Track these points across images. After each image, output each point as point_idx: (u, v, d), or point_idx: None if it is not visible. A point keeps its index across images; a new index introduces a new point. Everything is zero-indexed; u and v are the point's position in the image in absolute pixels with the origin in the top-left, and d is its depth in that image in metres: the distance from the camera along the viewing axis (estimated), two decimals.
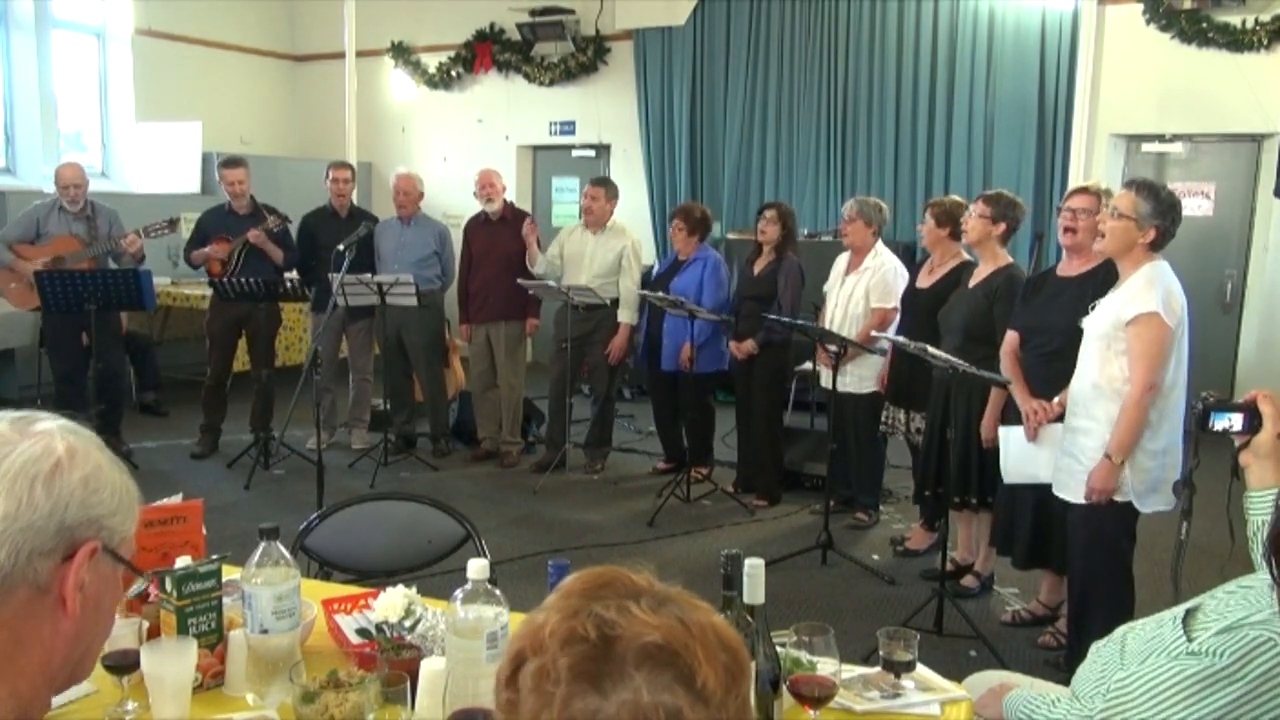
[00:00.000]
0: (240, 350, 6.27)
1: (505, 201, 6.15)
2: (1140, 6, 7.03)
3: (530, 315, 6.10)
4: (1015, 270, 4.15)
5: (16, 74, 8.13)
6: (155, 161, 8.80)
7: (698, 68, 8.65)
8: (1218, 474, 2.12)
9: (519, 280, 5.87)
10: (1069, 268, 3.67)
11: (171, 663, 1.62)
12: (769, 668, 1.55)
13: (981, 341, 4.00)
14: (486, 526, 3.98)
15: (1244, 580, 1.64)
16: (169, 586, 1.75)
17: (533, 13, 9.00)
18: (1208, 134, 7.14)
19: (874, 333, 4.70)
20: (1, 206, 7.26)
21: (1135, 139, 7.39)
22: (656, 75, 8.81)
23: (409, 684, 1.56)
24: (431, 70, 9.65)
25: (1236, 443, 1.91)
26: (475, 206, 6.19)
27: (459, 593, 1.59)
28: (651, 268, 6.52)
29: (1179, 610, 1.68)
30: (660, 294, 5.42)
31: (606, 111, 9.08)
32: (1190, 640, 1.56)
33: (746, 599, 1.54)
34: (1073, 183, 6.55)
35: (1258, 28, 6.69)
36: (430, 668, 1.63)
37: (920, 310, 4.48)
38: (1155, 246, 3.13)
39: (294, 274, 6.14)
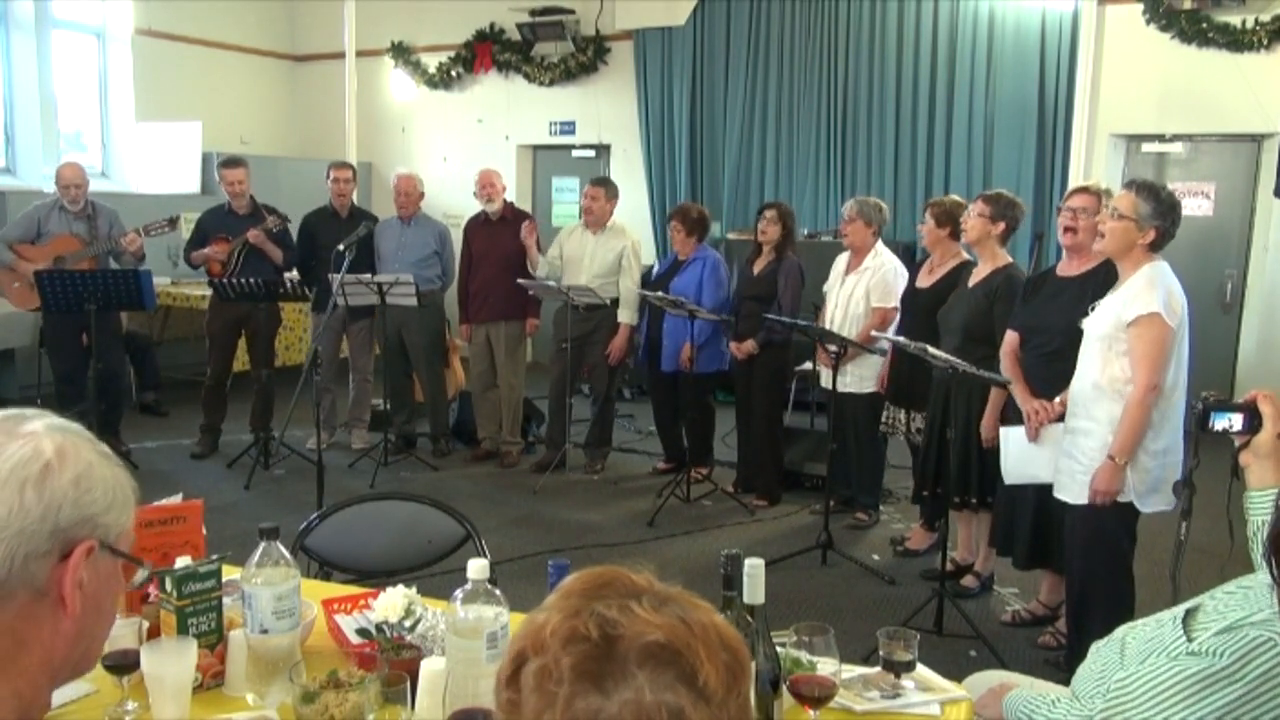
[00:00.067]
0: (240, 350, 6.27)
1: (505, 201, 6.15)
2: (1140, 6, 7.03)
3: (530, 315, 6.10)
4: (1015, 270, 4.16)
5: (16, 74, 8.13)
6: (155, 161, 8.80)
7: (698, 68, 8.65)
8: (1218, 474, 2.12)
9: (519, 280, 5.87)
10: (1069, 267, 3.67)
11: (171, 663, 1.62)
12: (769, 668, 1.55)
13: (981, 341, 4.00)
14: (486, 526, 3.98)
15: (1244, 580, 1.64)
16: (169, 586, 1.75)
17: (533, 13, 9.00)
18: (1208, 134, 7.14)
19: (874, 333, 4.70)
20: (1, 206, 7.26)
21: (1135, 139, 7.39)
22: (656, 75, 8.81)
23: (409, 684, 1.56)
24: (431, 70, 9.66)
25: (1236, 443, 1.91)
26: (475, 206, 6.19)
27: (459, 593, 1.59)
28: (651, 268, 6.52)
29: (1179, 610, 1.68)
30: (660, 294, 5.42)
31: (606, 111, 9.08)
32: (1190, 640, 1.56)
33: (746, 599, 1.54)
34: (1073, 183, 6.56)
35: (1258, 28, 6.69)
36: (430, 668, 1.63)
37: (920, 310, 4.48)
38: (1155, 247, 3.13)
39: (294, 274, 6.15)
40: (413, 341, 6.21)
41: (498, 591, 1.60)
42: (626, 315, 5.83)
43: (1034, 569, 3.94)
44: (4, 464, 0.93)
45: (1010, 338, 3.78)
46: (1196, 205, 7.18)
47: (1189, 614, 1.65)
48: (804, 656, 1.65)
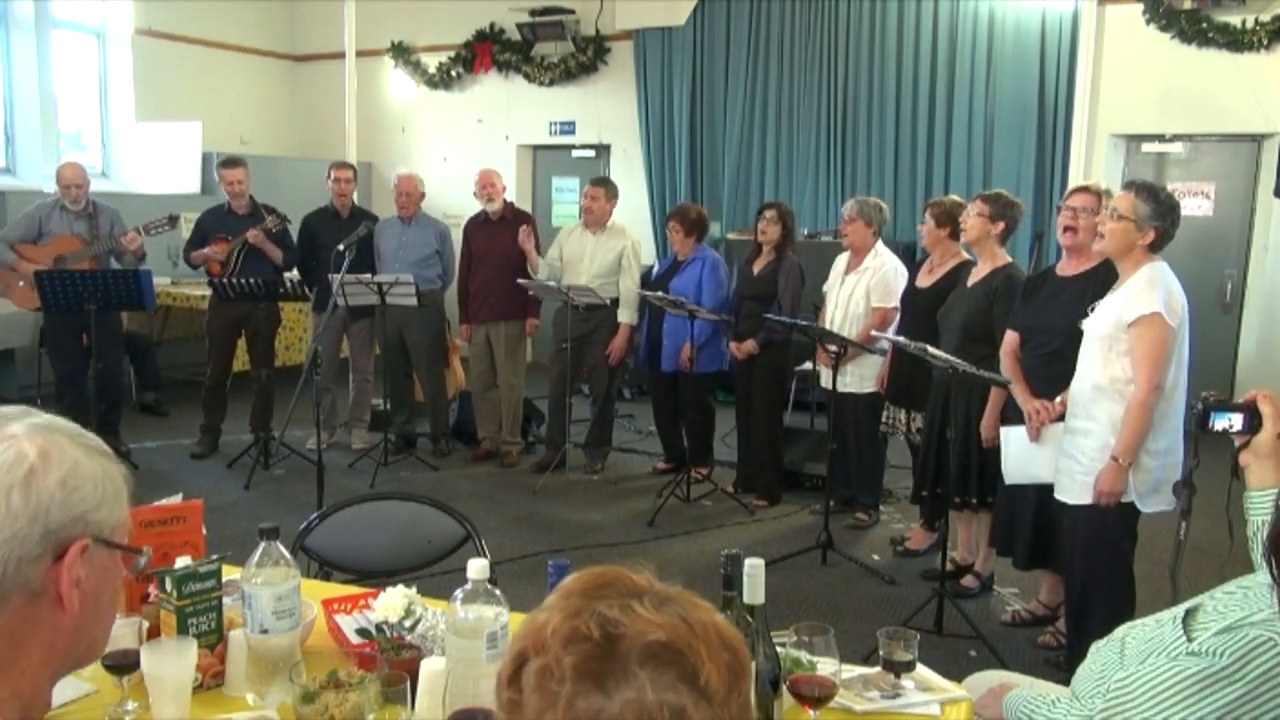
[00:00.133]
0: (240, 350, 6.28)
1: (505, 201, 6.15)
2: (1140, 6, 7.03)
3: (530, 315, 6.10)
4: (1014, 270, 4.16)
5: (16, 74, 8.13)
6: (155, 161, 8.80)
7: (698, 68, 8.65)
8: (1218, 474, 2.12)
9: (519, 280, 5.87)
10: (1068, 267, 3.67)
11: (171, 663, 1.62)
12: (769, 668, 1.55)
13: (981, 341, 4.00)
14: (486, 526, 3.99)
15: (1244, 580, 1.64)
16: (169, 586, 1.75)
17: (533, 13, 9.00)
18: (1208, 134, 7.14)
19: (874, 333, 4.70)
20: (1, 206, 7.26)
21: (1135, 139, 7.39)
22: (656, 75, 8.81)
23: (409, 684, 1.56)
24: (431, 70, 9.66)
25: (1236, 443, 1.91)
26: (475, 206, 6.19)
27: (459, 593, 1.59)
28: (651, 268, 6.52)
29: (1179, 610, 1.68)
30: (660, 294, 5.42)
31: (606, 111, 9.08)
32: (1190, 640, 1.56)
33: (746, 599, 1.54)
34: (1073, 183, 6.55)
35: (1258, 28, 6.69)
36: (430, 668, 1.63)
37: (920, 310, 4.48)
38: (1155, 248, 3.13)
39: (294, 274, 6.15)
40: (413, 341, 6.21)
41: (498, 591, 1.60)
42: (626, 315, 5.83)
43: (1034, 569, 3.94)
44: None
45: (1010, 338, 3.78)
46: (1196, 205, 7.18)
47: (1189, 614, 1.65)
48: (804, 656, 1.65)
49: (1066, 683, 1.97)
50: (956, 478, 4.10)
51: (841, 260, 5.12)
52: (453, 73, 9.58)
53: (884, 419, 4.79)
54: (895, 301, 4.81)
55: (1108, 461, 3.11)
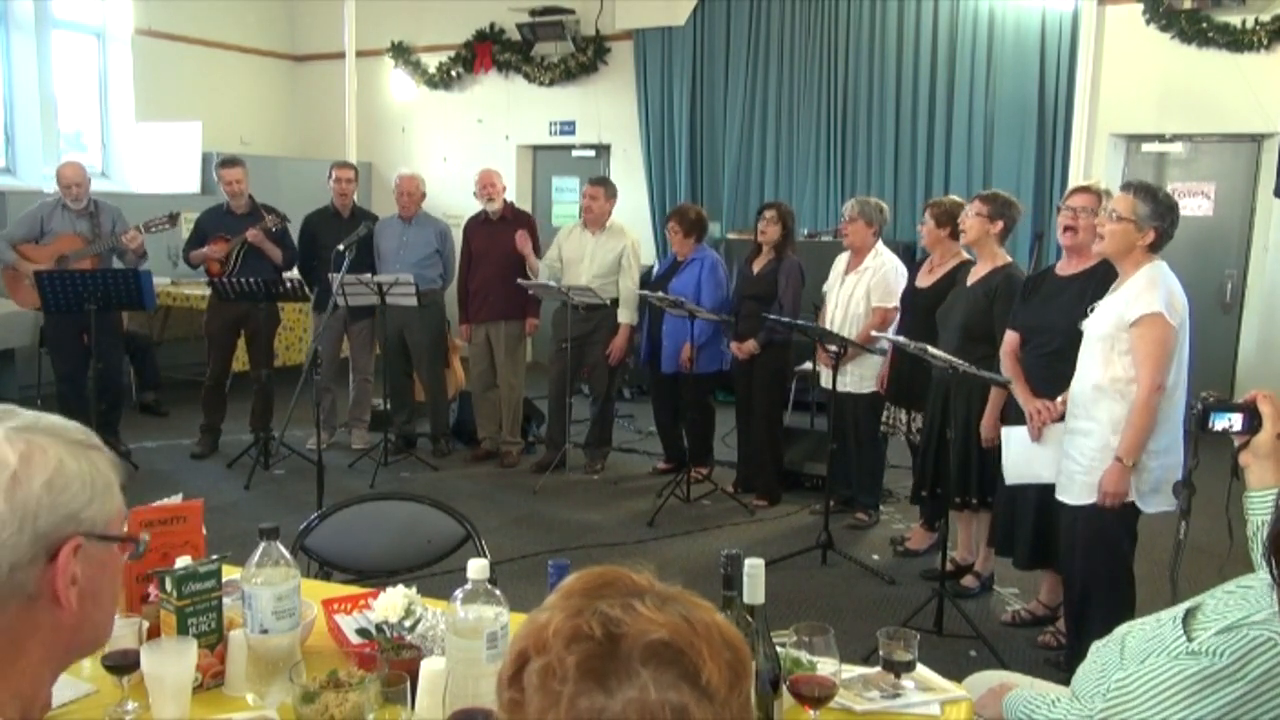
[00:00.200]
0: (240, 350, 6.28)
1: (505, 201, 6.15)
2: (1140, 6, 7.03)
3: (530, 315, 6.10)
4: (1014, 269, 4.16)
5: (16, 74, 8.13)
6: (155, 161, 8.80)
7: (698, 68, 8.65)
8: (1218, 474, 2.12)
9: (519, 280, 5.88)
10: (1068, 267, 3.67)
11: (171, 663, 1.62)
12: (769, 668, 1.55)
13: (981, 340, 4.00)
14: (486, 526, 3.99)
15: (1244, 580, 1.64)
16: (169, 586, 1.75)
17: (533, 13, 8.99)
18: (1208, 134, 7.14)
19: (874, 332, 4.70)
20: (1, 206, 7.26)
21: (1135, 139, 7.39)
22: (656, 75, 8.81)
23: (409, 684, 1.56)
24: (431, 70, 9.66)
25: (1236, 443, 1.91)
26: (475, 206, 6.19)
27: (459, 593, 1.59)
28: (651, 268, 6.52)
29: (1179, 610, 1.68)
30: (660, 294, 5.42)
31: (606, 111, 9.08)
32: (1190, 640, 1.56)
33: (746, 599, 1.54)
34: (1073, 182, 6.55)
35: (1258, 28, 6.69)
36: (430, 668, 1.63)
37: (920, 310, 4.48)
38: (1155, 248, 3.13)
39: (293, 273, 6.15)
40: (415, 341, 6.21)
41: (498, 591, 1.60)
42: (626, 315, 5.83)
43: (1035, 569, 3.93)
44: None
45: (1010, 338, 3.78)
46: (1196, 205, 7.18)
47: (1189, 614, 1.65)
48: (804, 656, 1.65)
49: (1066, 683, 1.98)
50: (956, 478, 4.10)
51: (841, 260, 5.12)
52: (453, 73, 9.58)
53: (884, 419, 4.79)
54: (895, 301, 4.81)
55: (1111, 462, 3.10)
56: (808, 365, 5.68)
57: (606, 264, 5.82)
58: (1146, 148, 7.37)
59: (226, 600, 1.84)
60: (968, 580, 4.31)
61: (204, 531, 2.04)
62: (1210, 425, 1.98)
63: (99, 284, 5.38)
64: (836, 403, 4.90)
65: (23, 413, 0.98)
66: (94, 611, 1.01)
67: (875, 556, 4.73)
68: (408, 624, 1.77)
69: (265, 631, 1.71)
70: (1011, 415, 3.74)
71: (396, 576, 2.40)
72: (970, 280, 4.20)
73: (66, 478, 0.95)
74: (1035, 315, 3.68)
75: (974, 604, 4.14)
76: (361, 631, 1.84)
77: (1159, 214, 3.09)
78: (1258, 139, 7.00)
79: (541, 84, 9.25)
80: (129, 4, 8.75)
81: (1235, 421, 1.92)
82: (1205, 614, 1.63)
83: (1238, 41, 6.74)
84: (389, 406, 6.36)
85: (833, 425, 4.88)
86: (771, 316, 4.99)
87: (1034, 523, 3.71)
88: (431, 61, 9.65)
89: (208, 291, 6.13)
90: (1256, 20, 6.70)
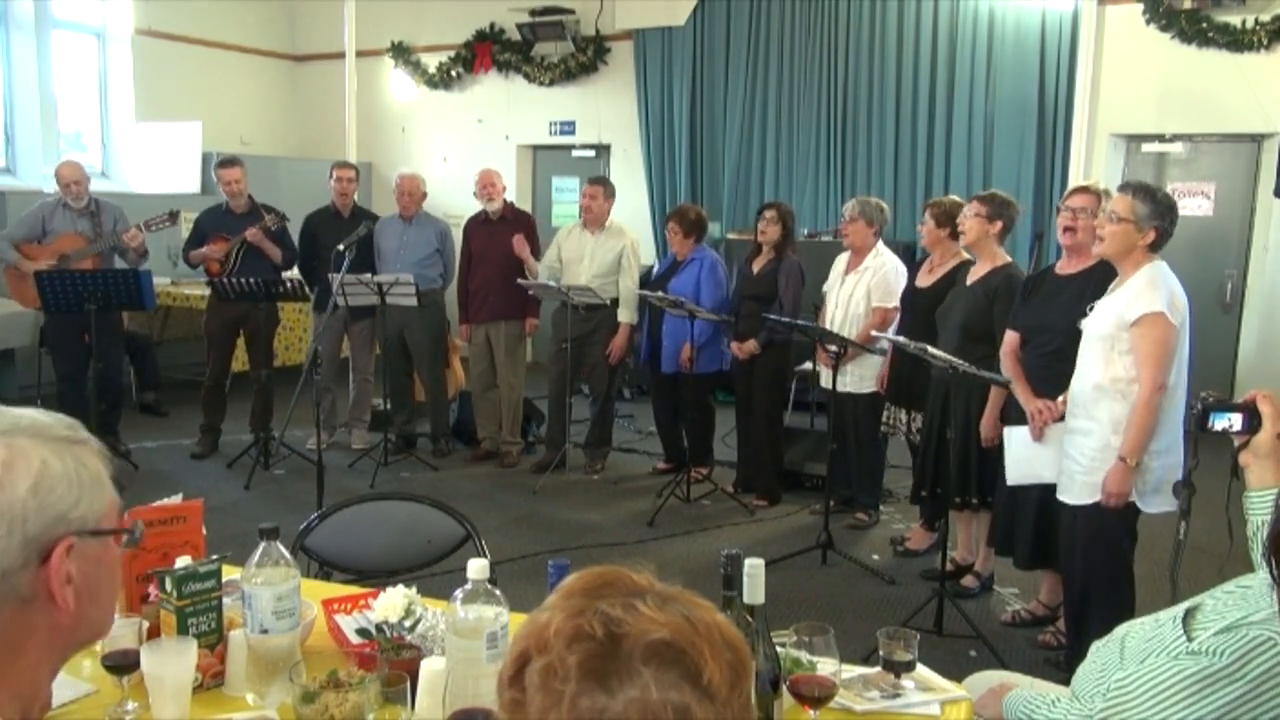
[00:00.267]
0: (240, 350, 6.28)
1: (505, 201, 6.15)
2: (1140, 6, 7.02)
3: (530, 315, 6.10)
4: (1014, 269, 4.16)
5: (16, 74, 8.13)
6: (155, 161, 8.80)
7: (698, 68, 8.65)
8: (1218, 474, 2.12)
9: (519, 280, 5.88)
10: (1068, 266, 3.67)
11: (171, 663, 1.62)
12: (769, 668, 1.55)
13: (980, 340, 4.00)
14: (486, 526, 3.99)
15: (1243, 580, 1.64)
16: (169, 586, 1.75)
17: (533, 13, 8.99)
18: (1208, 134, 7.14)
19: (874, 332, 4.70)
20: (1, 206, 7.26)
21: (1135, 139, 7.39)
22: (656, 75, 8.81)
23: (409, 684, 1.56)
24: (431, 70, 9.65)
25: (1236, 443, 1.91)
26: (475, 206, 6.19)
27: (459, 593, 1.59)
28: (651, 268, 6.52)
29: (1179, 610, 1.68)
30: (660, 294, 5.42)
31: (606, 111, 9.08)
32: (1190, 640, 1.56)
33: (746, 599, 1.54)
34: (1073, 182, 6.55)
35: (1258, 28, 6.69)
36: (430, 668, 1.63)
37: (920, 310, 4.48)
38: (1155, 247, 3.13)
39: (293, 273, 6.15)
40: (415, 341, 6.21)
41: (498, 591, 1.60)
42: (626, 315, 5.83)
43: (1036, 569, 3.93)
44: None
45: (1010, 337, 3.78)
46: (1196, 205, 7.18)
47: (1189, 614, 1.65)
48: (804, 656, 1.65)
49: (1066, 683, 1.98)
50: (956, 478, 4.10)
51: (841, 260, 5.12)
52: (453, 73, 9.58)
53: (884, 419, 4.78)
54: (895, 301, 4.81)
55: (1115, 462, 3.10)
56: (808, 365, 5.68)
57: (606, 264, 5.82)
58: (1146, 148, 7.37)
59: (226, 600, 1.84)
60: (968, 580, 4.31)
61: (204, 531, 2.04)
62: (1210, 425, 1.98)
63: (99, 284, 5.39)
64: (836, 403, 4.90)
65: (3, 413, 0.97)
66: (92, 608, 1.00)
67: (875, 556, 4.73)
68: (408, 624, 1.77)
69: (265, 631, 1.71)
70: (1012, 415, 3.74)
71: (396, 576, 2.40)
72: (970, 280, 4.20)
73: (52, 479, 0.94)
74: (1035, 315, 3.68)
75: (974, 604, 4.14)
76: (361, 631, 1.84)
77: (1159, 213, 3.09)
78: (1258, 139, 7.00)
79: (541, 84, 9.24)
80: (129, 4, 8.75)
81: (1235, 421, 1.92)
82: (1205, 614, 1.63)
83: (1238, 41, 6.74)
84: (389, 406, 6.36)
85: (833, 425, 4.88)
86: (771, 316, 4.99)
87: (1035, 522, 3.71)
88: (431, 61, 9.65)
89: (208, 291, 6.13)
90: (1256, 20, 6.70)
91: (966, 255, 4.46)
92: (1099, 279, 3.40)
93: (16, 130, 8.21)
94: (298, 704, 1.54)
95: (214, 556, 1.86)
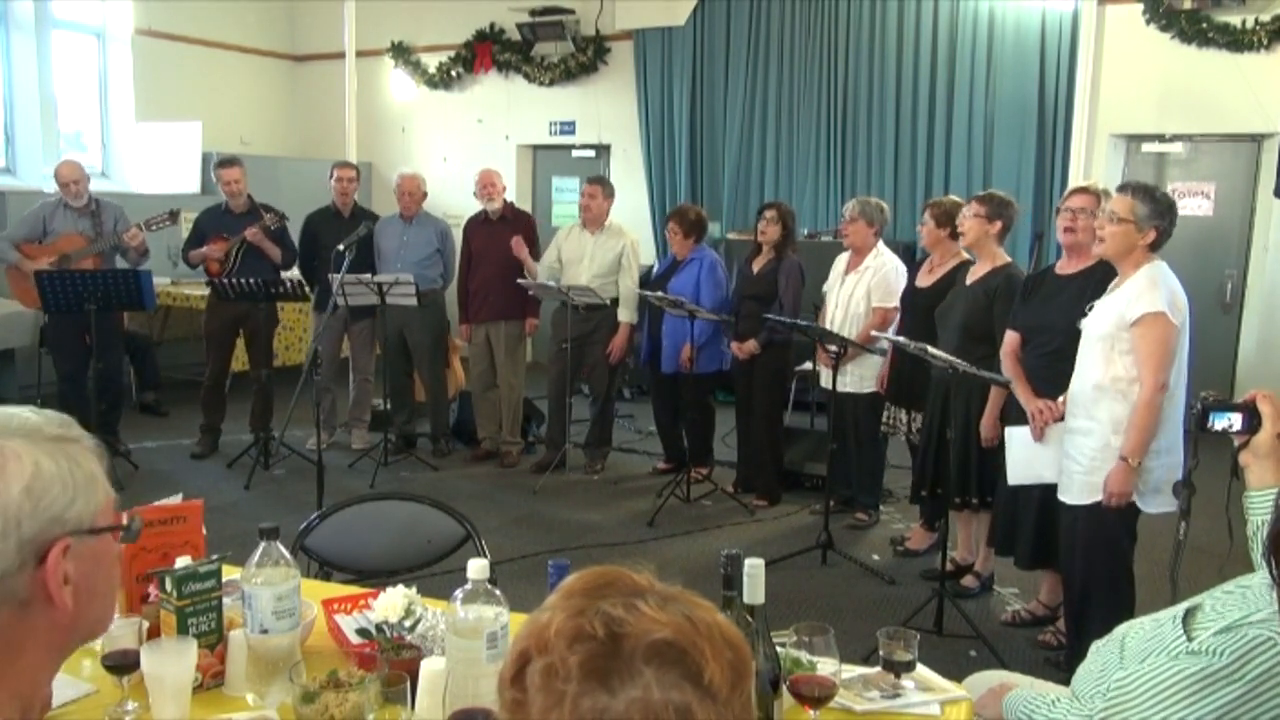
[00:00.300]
0: (239, 350, 6.28)
1: (505, 201, 6.15)
2: (1140, 6, 7.03)
3: (530, 315, 6.10)
4: (1014, 269, 4.16)
5: (16, 74, 8.13)
6: (155, 161, 8.79)
7: (698, 68, 8.65)
8: (1218, 474, 2.12)
9: (519, 280, 5.88)
10: (1067, 266, 3.68)
11: (171, 663, 1.62)
12: (769, 668, 1.55)
13: (980, 340, 4.00)
14: (486, 526, 3.98)
15: (1243, 580, 1.64)
16: (169, 586, 1.75)
17: (533, 13, 8.99)
18: (1208, 134, 7.14)
19: (874, 332, 4.70)
20: (1, 207, 7.26)
21: (1135, 139, 7.39)
22: (656, 75, 8.81)
23: (409, 684, 1.56)
24: (431, 70, 9.65)
25: (1236, 443, 1.91)
26: (475, 206, 6.19)
27: (459, 593, 1.59)
28: (651, 268, 6.52)
29: (1179, 609, 1.68)
30: (660, 294, 5.42)
31: (606, 111, 9.08)
32: (1190, 640, 1.56)
33: (746, 599, 1.54)
34: (1073, 182, 6.56)
35: (1258, 28, 6.69)
36: (430, 668, 1.63)
37: (920, 310, 4.48)
38: (1154, 247, 3.14)
39: (293, 272, 6.15)
40: (416, 341, 6.21)
41: (498, 591, 1.60)
42: (627, 314, 5.83)
43: (1038, 569, 3.93)
44: None
45: (1011, 338, 3.77)
46: (1196, 205, 7.18)
47: (1189, 613, 1.65)
48: (804, 656, 1.65)
49: (1066, 683, 1.98)
50: (956, 478, 4.10)
51: (841, 260, 5.12)
52: (453, 73, 9.58)
53: (885, 419, 4.78)
54: (895, 301, 4.81)
55: (1117, 462, 3.10)
56: (808, 365, 5.68)
57: (606, 264, 5.82)
58: (1146, 148, 7.37)
59: (226, 600, 1.84)
60: (968, 580, 4.31)
61: (204, 531, 2.04)
62: (1210, 425, 1.98)
63: (99, 284, 5.39)
64: (836, 403, 4.90)
65: None
66: (91, 605, 1.00)
67: (875, 556, 4.73)
68: (408, 624, 1.77)
69: (265, 631, 1.71)
70: (1012, 415, 3.74)
71: (396, 576, 2.40)
72: (969, 280, 4.20)
73: (45, 481, 0.93)
74: (1035, 315, 3.68)
75: (974, 604, 4.14)
76: (361, 631, 1.84)
77: (1159, 213, 3.09)
78: (1258, 139, 7.00)
79: (541, 84, 9.24)
80: (129, 4, 8.75)
81: (1235, 421, 1.92)
82: (1205, 614, 1.63)
83: (1238, 41, 6.74)
84: (389, 406, 6.36)
85: (833, 425, 4.88)
86: (772, 316, 4.99)
87: (1036, 522, 3.71)
88: (431, 61, 9.65)
89: (207, 291, 6.13)
90: (1256, 20, 6.70)
91: (966, 255, 4.46)
92: (1099, 279, 3.40)
93: (16, 130, 8.21)
94: (298, 704, 1.54)
95: (214, 556, 1.86)
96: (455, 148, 9.62)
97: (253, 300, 5.82)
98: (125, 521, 1.04)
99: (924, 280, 4.59)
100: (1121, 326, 3.10)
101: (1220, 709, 1.46)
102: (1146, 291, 3.06)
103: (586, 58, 9.01)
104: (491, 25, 9.33)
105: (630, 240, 5.90)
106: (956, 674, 1.95)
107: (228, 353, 6.21)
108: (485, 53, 9.38)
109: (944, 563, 3.94)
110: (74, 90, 8.70)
